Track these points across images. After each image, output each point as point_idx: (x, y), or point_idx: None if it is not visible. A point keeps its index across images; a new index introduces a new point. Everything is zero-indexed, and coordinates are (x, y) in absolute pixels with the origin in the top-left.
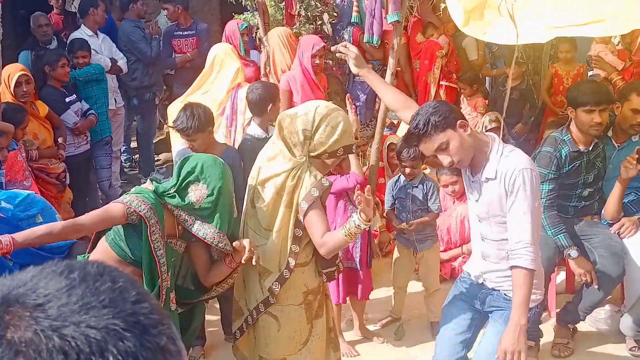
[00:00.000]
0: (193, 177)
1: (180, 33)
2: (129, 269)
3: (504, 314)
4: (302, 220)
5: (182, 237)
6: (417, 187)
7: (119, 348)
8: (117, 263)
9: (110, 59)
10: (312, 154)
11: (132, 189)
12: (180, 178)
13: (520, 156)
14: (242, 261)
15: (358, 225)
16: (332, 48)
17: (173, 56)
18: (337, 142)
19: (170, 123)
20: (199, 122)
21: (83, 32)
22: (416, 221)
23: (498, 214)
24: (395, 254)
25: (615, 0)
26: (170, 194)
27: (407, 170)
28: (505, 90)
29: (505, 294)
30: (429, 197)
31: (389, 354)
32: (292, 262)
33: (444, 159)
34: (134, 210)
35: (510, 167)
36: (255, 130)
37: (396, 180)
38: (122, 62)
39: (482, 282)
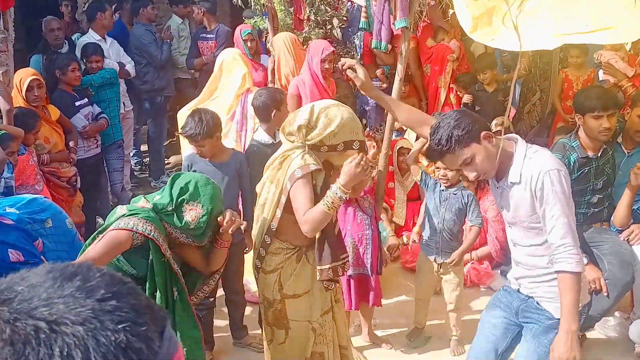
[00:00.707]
0: (187, 196)
1: (205, 36)
2: None
3: (533, 328)
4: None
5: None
6: (455, 194)
7: (66, 340)
8: None
9: (118, 63)
10: (308, 142)
11: (126, 210)
12: (175, 196)
13: (545, 157)
14: (230, 232)
15: (339, 195)
16: (339, 63)
17: (195, 59)
18: (334, 134)
19: (180, 129)
20: (207, 127)
21: (91, 37)
22: (460, 249)
23: (525, 219)
24: (419, 263)
25: (624, 7)
26: (168, 212)
27: (442, 175)
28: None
29: (537, 303)
30: (469, 209)
31: (395, 359)
32: (268, 240)
33: (469, 174)
34: (141, 234)
35: (535, 169)
36: (262, 136)
37: (435, 183)
38: (129, 67)
39: (518, 289)
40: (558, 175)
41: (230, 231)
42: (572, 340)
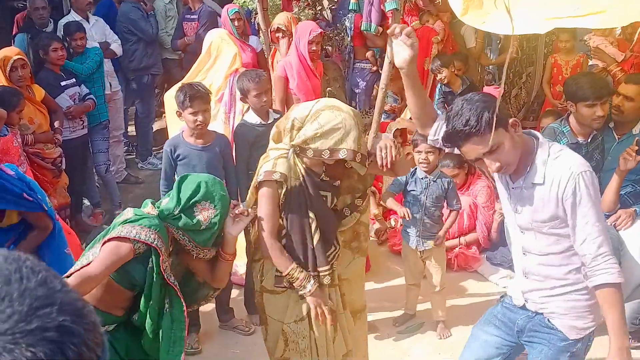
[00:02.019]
0: (199, 196)
1: (189, 17)
2: (121, 293)
3: (542, 350)
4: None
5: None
6: (435, 182)
7: None
8: (107, 285)
9: (103, 42)
10: (292, 142)
11: (131, 215)
12: (184, 198)
13: (573, 156)
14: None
15: (303, 291)
16: (389, 31)
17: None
18: (320, 138)
19: (167, 110)
20: (204, 89)
21: (73, 17)
22: (442, 231)
23: (546, 224)
24: (403, 252)
25: None
26: (175, 216)
27: (422, 158)
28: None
29: (548, 320)
30: (449, 195)
31: (382, 345)
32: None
33: (492, 164)
34: (143, 242)
35: (564, 170)
36: (251, 116)
37: (413, 173)
38: (115, 46)
39: (524, 305)
40: (590, 177)
41: (237, 212)
42: (627, 358)
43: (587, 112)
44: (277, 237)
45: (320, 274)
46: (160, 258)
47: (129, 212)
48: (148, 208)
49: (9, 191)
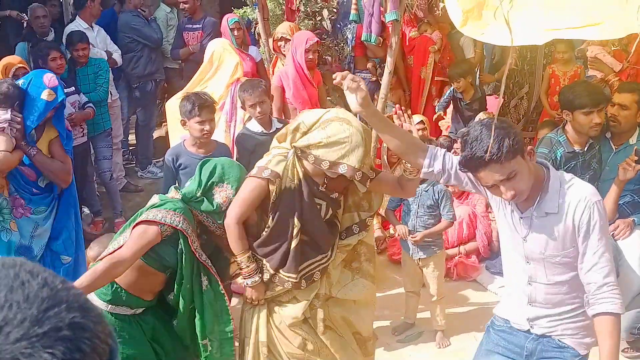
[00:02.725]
0: (216, 178)
1: (190, 26)
2: (155, 276)
3: None
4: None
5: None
6: (426, 191)
7: None
8: (140, 269)
9: (105, 51)
10: (293, 144)
11: (157, 200)
12: (203, 180)
13: (585, 185)
14: None
15: (245, 280)
16: (336, 77)
17: (176, 50)
18: (323, 147)
19: (169, 119)
20: (211, 99)
21: (79, 25)
22: (422, 233)
23: (558, 253)
24: (402, 259)
25: (613, 3)
26: (197, 198)
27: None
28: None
29: (559, 340)
30: (441, 204)
31: (380, 353)
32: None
33: (508, 192)
34: (169, 226)
35: (579, 199)
36: (253, 125)
37: None
38: (116, 55)
39: (529, 330)
40: (602, 206)
41: None
42: None
43: (585, 119)
44: (242, 224)
45: (280, 275)
46: (189, 240)
47: (154, 198)
48: (172, 193)
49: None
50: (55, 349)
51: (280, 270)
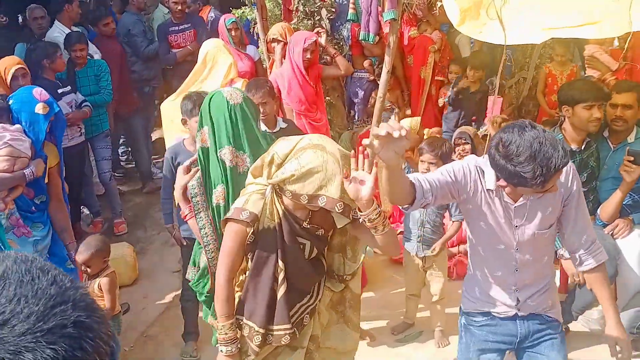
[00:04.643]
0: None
1: (176, 28)
2: None
3: (553, 343)
4: None
5: None
6: None
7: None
8: None
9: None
10: (269, 181)
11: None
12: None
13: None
14: None
15: (221, 347)
16: (365, 141)
17: (172, 52)
18: (297, 180)
19: (164, 120)
20: None
21: (58, 29)
22: (439, 242)
23: (547, 228)
24: (404, 260)
25: (610, 3)
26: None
27: (424, 168)
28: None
29: (545, 315)
30: (451, 204)
31: (379, 353)
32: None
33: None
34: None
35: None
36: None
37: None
38: (97, 57)
39: (516, 314)
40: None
41: None
42: (623, 330)
43: (585, 114)
44: (232, 283)
45: (276, 332)
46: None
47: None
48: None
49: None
50: (58, 345)
51: (271, 325)
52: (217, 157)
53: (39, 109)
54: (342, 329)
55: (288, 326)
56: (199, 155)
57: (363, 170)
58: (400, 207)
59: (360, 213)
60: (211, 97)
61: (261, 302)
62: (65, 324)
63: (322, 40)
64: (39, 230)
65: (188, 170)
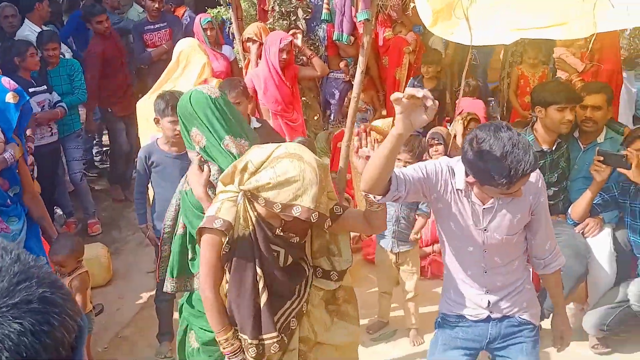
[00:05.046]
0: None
1: (152, 27)
2: None
3: (523, 347)
4: None
5: None
6: None
7: None
8: None
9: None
10: (241, 187)
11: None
12: None
13: None
14: None
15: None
16: (396, 95)
17: (147, 51)
18: (272, 188)
19: (139, 119)
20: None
21: (29, 27)
22: (413, 233)
23: (515, 233)
24: (377, 258)
25: (577, 4)
26: None
27: (401, 165)
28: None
29: (518, 317)
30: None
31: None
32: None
33: (517, 194)
34: None
35: (534, 174)
36: None
37: None
38: (68, 55)
39: (488, 316)
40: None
41: None
42: (570, 327)
43: (558, 116)
44: (218, 291)
45: (266, 341)
46: None
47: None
48: None
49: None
50: (24, 320)
51: (260, 336)
52: (223, 149)
53: (9, 98)
54: (342, 325)
55: (275, 334)
56: (203, 157)
57: (366, 147)
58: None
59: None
60: (190, 97)
61: (247, 313)
62: (31, 300)
63: (298, 41)
64: (15, 224)
65: (202, 169)
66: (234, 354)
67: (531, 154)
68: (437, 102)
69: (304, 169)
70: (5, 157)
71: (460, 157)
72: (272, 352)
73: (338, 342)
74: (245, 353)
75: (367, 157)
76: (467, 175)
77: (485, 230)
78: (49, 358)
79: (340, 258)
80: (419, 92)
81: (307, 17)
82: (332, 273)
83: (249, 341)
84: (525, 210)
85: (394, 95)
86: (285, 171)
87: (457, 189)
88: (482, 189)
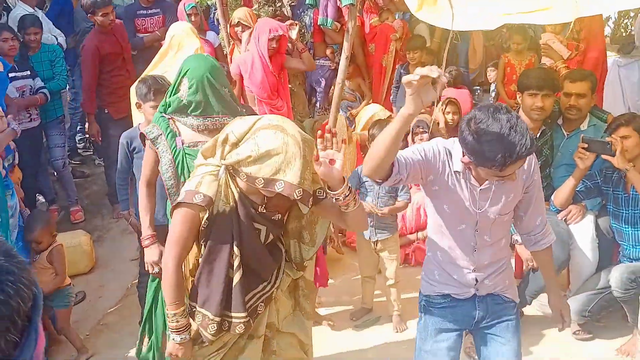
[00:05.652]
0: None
1: (144, 12)
2: None
3: (509, 325)
4: None
5: None
6: None
7: None
8: None
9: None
10: (222, 161)
11: None
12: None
13: None
14: None
15: (174, 336)
16: (408, 77)
17: (138, 36)
18: (254, 162)
19: (133, 103)
20: (168, 84)
21: (22, 9)
22: (388, 208)
23: (508, 211)
24: (358, 245)
25: None
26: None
27: None
28: None
29: (502, 295)
30: (400, 187)
31: (339, 339)
32: None
33: (508, 180)
34: None
35: None
36: None
37: None
38: (61, 40)
39: (475, 294)
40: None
41: None
42: (566, 304)
43: (529, 101)
44: (181, 268)
45: (233, 320)
46: None
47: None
48: None
49: None
50: None
51: (228, 312)
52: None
53: None
54: (298, 316)
55: (244, 314)
56: None
57: (331, 149)
58: (373, 181)
59: (333, 192)
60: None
61: (216, 289)
62: None
63: (294, 34)
64: (11, 199)
65: None
66: (177, 331)
67: (528, 138)
68: (446, 75)
69: (287, 142)
70: (15, 128)
71: (455, 138)
72: (237, 332)
73: (295, 331)
74: (203, 330)
75: (332, 161)
76: (463, 155)
77: (480, 210)
78: (5, 327)
79: (309, 247)
80: (433, 72)
81: (293, 4)
82: (293, 262)
83: (211, 317)
84: (519, 189)
85: (406, 78)
86: (267, 143)
87: (455, 171)
88: (477, 170)
